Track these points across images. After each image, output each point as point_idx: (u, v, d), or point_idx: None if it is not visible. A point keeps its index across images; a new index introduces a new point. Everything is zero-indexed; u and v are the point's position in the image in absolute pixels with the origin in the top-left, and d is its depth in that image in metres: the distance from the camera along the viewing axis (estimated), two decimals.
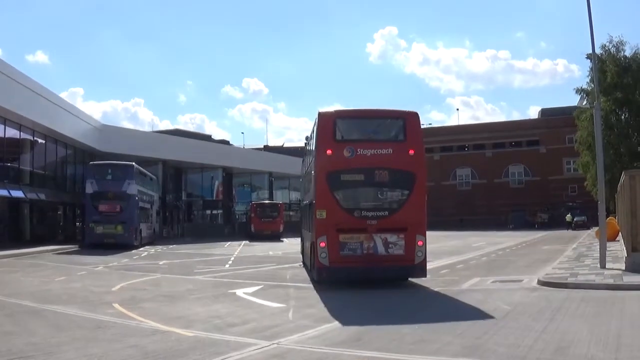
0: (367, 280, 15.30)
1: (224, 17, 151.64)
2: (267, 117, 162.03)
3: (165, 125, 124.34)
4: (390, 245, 15.11)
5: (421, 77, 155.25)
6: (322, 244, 15.15)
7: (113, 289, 15.42)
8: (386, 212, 15.42)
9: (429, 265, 20.60)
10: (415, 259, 15.19)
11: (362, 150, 15.52)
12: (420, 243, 15.27)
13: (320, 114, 16.18)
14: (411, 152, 15.58)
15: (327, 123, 15.83)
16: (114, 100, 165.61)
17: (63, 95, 50.47)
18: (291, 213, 69.41)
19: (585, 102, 32.77)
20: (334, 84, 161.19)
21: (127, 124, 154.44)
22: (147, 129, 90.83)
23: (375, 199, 15.71)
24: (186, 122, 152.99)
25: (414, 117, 16.02)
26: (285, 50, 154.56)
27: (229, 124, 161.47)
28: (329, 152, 15.58)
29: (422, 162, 16.04)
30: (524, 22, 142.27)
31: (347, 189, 15.74)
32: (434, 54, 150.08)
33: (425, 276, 15.78)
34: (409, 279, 16.21)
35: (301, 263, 21.73)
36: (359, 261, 14.98)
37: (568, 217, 59.49)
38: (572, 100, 61.59)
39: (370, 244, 15.07)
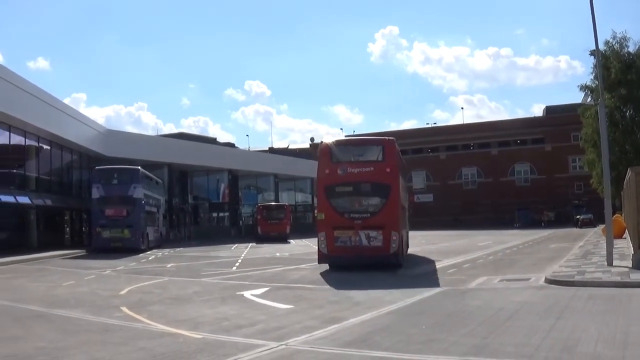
0: (354, 265, 19.35)
1: (225, 20, 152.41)
2: (270, 119, 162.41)
3: (169, 128, 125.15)
4: (371, 239, 19.54)
5: (423, 76, 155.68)
6: (322, 238, 19.98)
7: (121, 292, 15.46)
8: (368, 214, 19.97)
9: (437, 265, 21.21)
10: (391, 249, 19.53)
11: (351, 168, 20.44)
12: (394, 237, 19.55)
13: (321, 143, 21.72)
14: (388, 169, 20.15)
15: (326, 149, 20.84)
16: (117, 105, 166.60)
17: (66, 101, 50.55)
18: (298, 214, 69.50)
19: (589, 99, 32.55)
20: (336, 85, 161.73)
21: (131, 129, 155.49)
22: (151, 132, 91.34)
23: (360, 204, 20.37)
24: (190, 125, 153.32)
25: (390, 143, 20.98)
26: (286, 51, 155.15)
27: (233, 127, 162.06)
28: (327, 171, 20.48)
29: (396, 177, 20.45)
30: (524, 19, 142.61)
31: (340, 198, 20.44)
32: (436, 53, 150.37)
33: (399, 263, 20.16)
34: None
35: None
36: (348, 250, 19.57)
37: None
38: (576, 97, 61.71)
39: (356, 237, 19.60)
